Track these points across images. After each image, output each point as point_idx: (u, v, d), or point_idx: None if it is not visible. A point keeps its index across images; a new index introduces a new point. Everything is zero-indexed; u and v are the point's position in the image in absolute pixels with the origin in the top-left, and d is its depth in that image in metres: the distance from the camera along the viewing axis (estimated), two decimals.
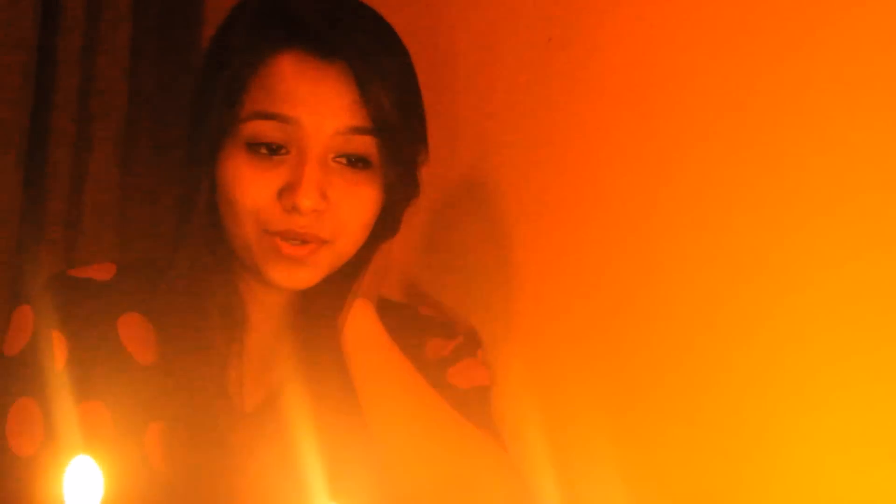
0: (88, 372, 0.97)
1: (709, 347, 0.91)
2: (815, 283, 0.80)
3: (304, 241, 0.95)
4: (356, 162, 0.96)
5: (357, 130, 0.94)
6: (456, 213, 1.30)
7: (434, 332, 1.12)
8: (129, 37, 1.74)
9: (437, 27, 1.37)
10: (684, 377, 0.94)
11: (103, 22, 1.73)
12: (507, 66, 1.22)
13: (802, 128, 0.82)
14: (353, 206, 0.96)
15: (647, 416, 0.98)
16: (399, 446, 1.00)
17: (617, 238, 1.03)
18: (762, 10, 0.86)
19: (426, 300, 1.26)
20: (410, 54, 1.02)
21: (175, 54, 1.82)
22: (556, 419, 1.09)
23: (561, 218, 1.12)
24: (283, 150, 0.94)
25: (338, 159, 0.96)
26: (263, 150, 0.94)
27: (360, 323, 1.02)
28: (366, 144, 0.95)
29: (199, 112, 0.98)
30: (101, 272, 1.02)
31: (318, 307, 1.03)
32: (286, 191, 0.93)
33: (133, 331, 1.00)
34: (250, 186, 0.94)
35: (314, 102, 0.94)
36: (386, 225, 1.02)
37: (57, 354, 0.97)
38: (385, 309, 1.06)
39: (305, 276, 0.97)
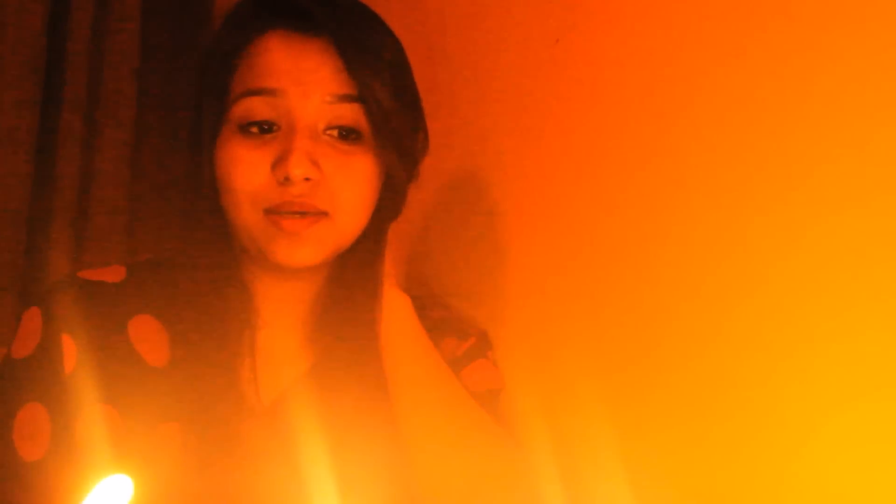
0: (98, 376, 0.96)
1: (713, 345, 0.91)
2: (823, 280, 0.80)
3: (303, 214, 0.95)
4: (348, 135, 0.96)
5: (343, 98, 0.95)
6: (456, 209, 1.30)
7: (447, 333, 1.12)
8: (138, 36, 1.74)
9: (444, 28, 1.37)
10: (690, 374, 0.93)
11: (112, 21, 1.73)
12: (514, 66, 1.23)
13: (809, 126, 0.82)
14: (347, 176, 0.96)
15: (653, 414, 0.98)
16: (428, 439, 1.00)
17: (621, 235, 1.03)
18: (770, 12, 0.86)
19: (438, 300, 1.26)
20: (416, 53, 1.04)
21: (184, 53, 1.82)
22: (559, 418, 1.09)
23: (565, 216, 1.12)
24: (275, 128, 0.95)
25: (329, 132, 0.96)
26: (255, 130, 0.95)
27: (400, 315, 1.02)
28: (354, 114, 0.96)
29: (196, 102, 1.00)
30: (112, 274, 1.02)
31: (343, 298, 1.02)
32: (278, 163, 0.94)
33: (144, 333, 1.00)
34: (244, 167, 0.95)
35: (298, 73, 0.95)
36: (389, 204, 1.02)
37: (66, 359, 0.96)
38: None
39: (307, 252, 0.96)
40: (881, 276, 0.76)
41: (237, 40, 0.98)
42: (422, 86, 1.05)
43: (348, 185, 0.96)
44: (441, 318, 1.15)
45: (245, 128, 0.95)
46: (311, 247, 0.96)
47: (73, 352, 0.96)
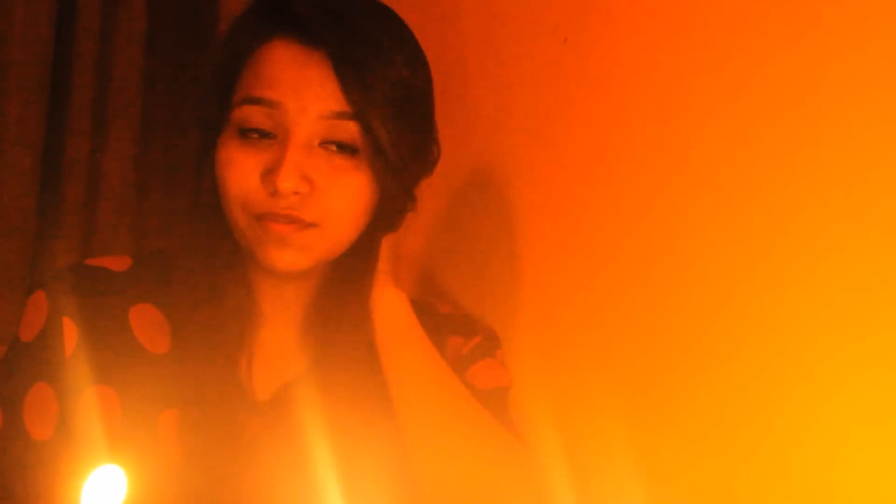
0: (97, 358, 0.98)
1: (725, 344, 0.91)
2: (835, 280, 0.80)
3: (289, 221, 0.95)
4: (344, 149, 0.96)
5: (340, 115, 0.95)
6: (467, 210, 1.30)
7: (453, 331, 1.11)
8: (145, 34, 1.74)
9: (454, 27, 1.37)
10: (700, 374, 0.93)
11: (119, 20, 1.73)
12: (523, 66, 1.23)
13: (817, 124, 0.82)
14: (339, 190, 0.96)
15: (662, 413, 0.98)
16: (427, 437, 1.00)
17: (632, 235, 1.03)
18: (778, 11, 0.86)
19: (445, 298, 1.26)
20: (427, 55, 1.03)
21: (190, 52, 1.82)
22: (569, 416, 1.09)
23: (577, 216, 1.12)
24: (273, 136, 0.96)
25: (325, 145, 0.96)
26: (254, 136, 0.96)
27: (396, 312, 1.03)
28: (350, 131, 0.95)
29: (202, 102, 1.01)
30: (117, 263, 1.04)
31: (336, 298, 1.03)
32: (269, 174, 0.94)
33: (145, 321, 1.01)
34: (237, 171, 0.96)
35: (298, 87, 0.95)
36: (384, 219, 1.02)
37: (67, 340, 0.97)
38: None
39: (294, 257, 0.96)
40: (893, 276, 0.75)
41: (243, 46, 0.98)
42: (438, 84, 1.05)
43: (339, 199, 0.96)
44: (448, 315, 1.15)
45: (245, 132, 0.96)
46: (298, 253, 0.96)
47: (73, 334, 0.98)
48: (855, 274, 0.77)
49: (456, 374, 1.05)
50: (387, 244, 1.04)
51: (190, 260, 1.03)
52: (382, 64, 0.97)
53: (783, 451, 0.84)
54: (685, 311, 0.96)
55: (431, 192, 1.07)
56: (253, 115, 0.95)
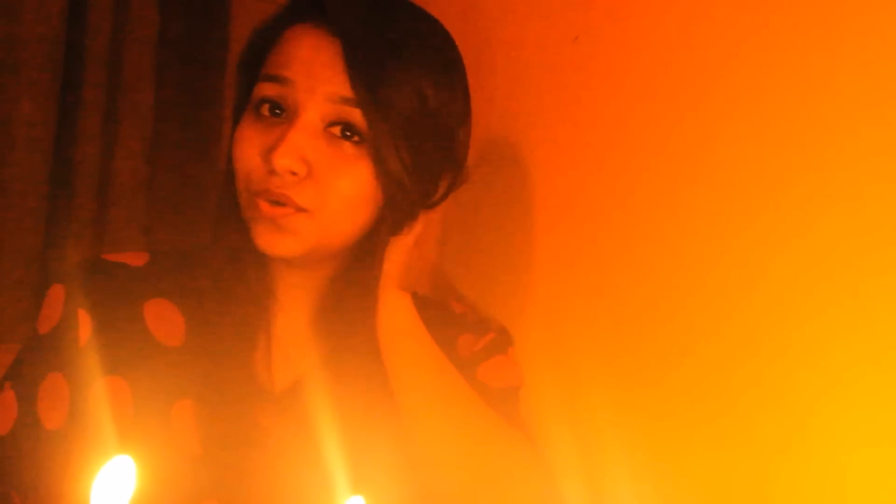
0: (110, 349, 0.98)
1: (736, 339, 0.90)
2: (848, 280, 0.79)
3: (281, 203, 0.95)
4: (351, 135, 0.96)
5: (347, 101, 0.95)
6: (478, 206, 1.30)
7: (465, 329, 1.11)
8: (157, 33, 1.74)
9: (464, 27, 1.37)
10: (712, 373, 0.93)
11: (130, 18, 1.74)
12: (533, 65, 1.23)
13: (834, 121, 0.81)
14: (337, 178, 0.96)
15: (674, 412, 0.98)
16: (430, 437, 1.00)
17: (644, 232, 1.03)
18: (788, 10, 0.86)
19: (458, 296, 1.25)
20: (452, 73, 1.03)
21: (202, 51, 1.83)
22: (579, 413, 1.09)
23: (587, 213, 1.12)
24: (283, 114, 0.97)
25: (331, 129, 0.96)
26: (265, 110, 0.97)
27: (397, 313, 1.02)
28: (357, 117, 0.96)
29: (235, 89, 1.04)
30: (134, 258, 1.05)
31: (346, 294, 1.03)
32: (270, 152, 0.95)
33: (160, 315, 1.02)
34: (244, 146, 0.97)
35: (311, 67, 0.96)
36: (391, 216, 1.01)
37: (81, 331, 0.98)
38: (417, 304, 1.05)
39: (285, 242, 0.96)
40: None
41: (270, 30, 1.01)
42: None
43: (336, 186, 0.96)
44: (462, 315, 1.15)
45: (258, 107, 0.98)
46: (289, 238, 0.96)
47: (87, 325, 0.98)
48: (870, 271, 0.77)
49: (467, 372, 1.05)
50: (397, 246, 1.03)
51: (205, 256, 1.04)
52: (396, 60, 0.97)
53: (796, 448, 0.84)
54: (697, 309, 0.95)
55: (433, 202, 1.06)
56: (267, 91, 0.97)
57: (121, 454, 0.49)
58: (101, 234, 1.73)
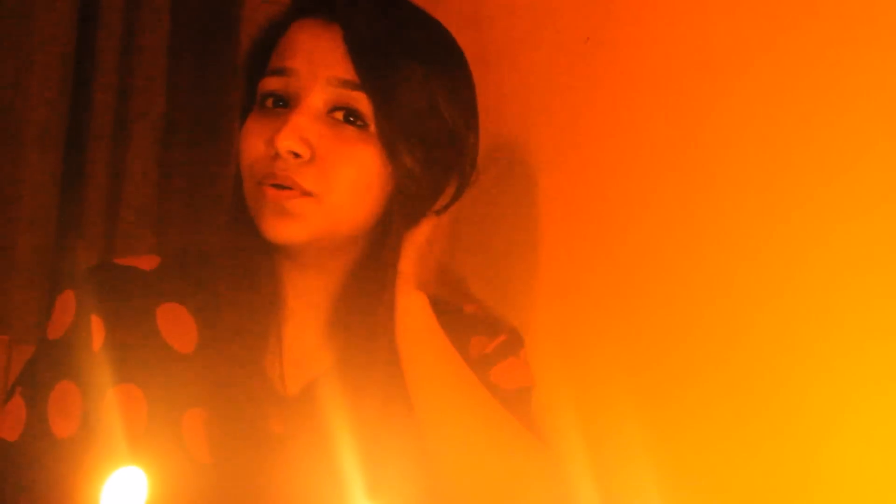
0: (123, 356, 0.98)
1: (748, 342, 0.90)
2: (858, 279, 0.79)
3: (286, 187, 0.95)
4: (354, 120, 0.97)
5: (348, 84, 0.96)
6: (487, 206, 1.30)
7: (477, 331, 1.11)
8: (167, 35, 1.75)
9: (475, 27, 1.37)
10: (724, 373, 0.92)
11: (141, 20, 1.74)
12: (543, 65, 1.22)
13: (846, 123, 0.81)
14: (341, 161, 0.96)
15: (686, 412, 0.97)
16: (446, 439, 1.00)
17: (653, 231, 1.03)
18: (799, 13, 0.85)
19: (469, 297, 1.25)
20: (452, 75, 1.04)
21: (213, 52, 1.83)
22: (592, 416, 1.08)
23: (597, 213, 1.12)
24: (287, 104, 0.98)
25: (334, 113, 0.97)
26: (269, 103, 0.98)
27: (415, 314, 1.02)
28: (359, 101, 0.97)
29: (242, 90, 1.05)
30: (145, 262, 1.04)
31: (359, 295, 1.03)
32: (272, 136, 0.95)
33: (172, 320, 1.01)
34: (250, 139, 0.98)
35: (311, 54, 0.97)
36: (400, 208, 1.01)
37: (94, 337, 0.98)
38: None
39: (292, 228, 0.96)
40: None
41: (274, 29, 1.02)
42: None
43: (341, 167, 0.96)
44: (472, 315, 1.15)
45: (262, 102, 0.99)
46: (296, 224, 0.96)
47: (100, 331, 0.98)
48: (883, 270, 0.77)
49: (479, 373, 1.05)
50: (411, 246, 1.03)
51: (217, 258, 1.03)
52: (403, 56, 0.98)
53: (807, 450, 0.83)
54: (708, 310, 0.95)
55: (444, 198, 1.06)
56: (270, 85, 0.98)
57: (132, 464, 0.49)
58: (112, 235, 1.73)
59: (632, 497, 0.98)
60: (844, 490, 0.79)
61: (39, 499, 0.95)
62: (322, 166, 0.95)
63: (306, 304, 1.04)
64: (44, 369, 0.99)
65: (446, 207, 1.04)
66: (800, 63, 0.85)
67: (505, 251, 1.27)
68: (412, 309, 1.02)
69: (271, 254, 1.02)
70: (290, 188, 0.95)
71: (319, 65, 0.96)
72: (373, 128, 0.97)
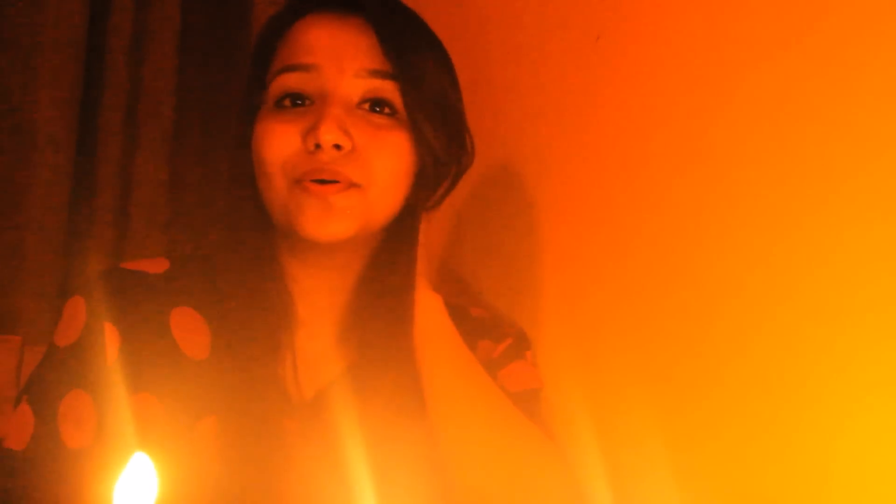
0: (140, 364, 0.97)
1: (763, 340, 0.89)
2: (870, 286, 0.78)
3: (333, 181, 0.95)
4: (382, 108, 0.98)
5: (376, 73, 0.97)
6: (494, 206, 1.30)
7: (484, 335, 1.11)
8: (178, 35, 1.75)
9: (485, 24, 1.37)
10: (735, 370, 0.92)
11: (152, 21, 1.74)
12: (554, 64, 1.22)
13: (854, 122, 0.80)
14: (380, 148, 0.97)
15: (698, 411, 0.97)
16: (463, 442, 0.99)
17: (661, 231, 1.02)
18: (810, 12, 0.85)
19: (476, 300, 1.25)
20: (455, 49, 1.06)
21: (223, 53, 1.83)
22: (601, 415, 1.08)
23: (604, 212, 1.11)
24: (308, 102, 0.97)
25: (363, 105, 0.97)
26: (288, 103, 0.98)
27: (432, 315, 1.02)
28: (388, 90, 0.97)
29: (243, 87, 1.04)
30: (154, 265, 1.03)
31: (374, 298, 1.02)
32: (309, 131, 0.95)
33: (185, 326, 1.00)
34: (276, 138, 0.96)
35: (334, 48, 0.97)
36: (422, 190, 1.01)
37: (109, 346, 0.96)
38: None
39: (337, 224, 0.96)
40: None
41: (279, 24, 1.02)
42: (466, 82, 1.06)
43: (381, 157, 0.97)
44: (479, 318, 1.14)
45: (279, 102, 0.98)
46: (341, 219, 0.96)
47: (115, 340, 0.97)
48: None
49: None
50: (426, 238, 1.03)
51: (226, 260, 1.02)
52: (415, 28, 1.02)
53: (823, 450, 0.82)
54: (720, 309, 0.94)
55: (456, 189, 1.08)
56: (289, 82, 0.97)
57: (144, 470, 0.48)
58: (123, 234, 1.73)
59: (645, 498, 0.98)
60: (861, 495, 0.79)
61: None
62: (363, 157, 0.96)
63: (317, 308, 1.04)
64: (53, 377, 0.97)
65: (439, 201, 1.05)
66: (814, 62, 0.84)
67: (515, 251, 1.27)
68: (429, 311, 1.02)
69: (280, 257, 1.02)
70: (335, 182, 0.95)
71: (344, 58, 0.97)
72: (402, 115, 0.98)
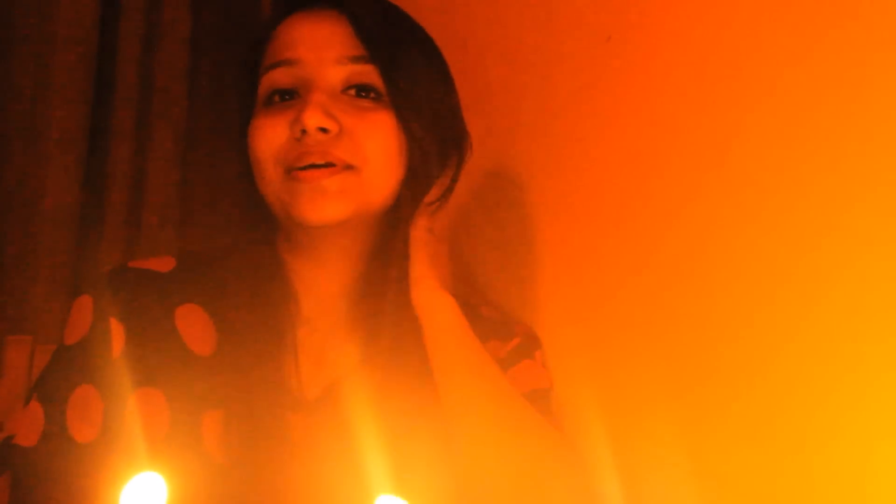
0: (145, 360, 0.98)
1: (774, 337, 0.89)
2: (888, 297, 0.78)
3: (324, 165, 0.96)
4: (367, 93, 1.00)
5: (356, 59, 0.99)
6: (493, 207, 1.30)
7: (492, 335, 1.10)
8: (189, 35, 1.75)
9: (493, 24, 1.37)
10: (747, 368, 0.91)
11: (163, 20, 1.75)
12: (564, 64, 1.22)
13: (865, 126, 0.80)
14: (368, 129, 0.98)
15: (710, 410, 0.97)
16: (477, 437, 0.99)
17: (670, 230, 1.02)
18: (827, 11, 0.84)
19: (485, 299, 1.25)
20: (455, 48, 1.09)
21: (234, 52, 1.83)
22: (613, 414, 1.08)
23: (607, 212, 1.11)
24: (296, 95, 1.00)
25: (348, 91, 1.00)
26: (277, 99, 1.00)
27: (444, 313, 1.02)
28: (369, 73, 1.00)
29: (238, 97, 1.06)
30: (161, 264, 1.05)
31: (378, 294, 1.02)
32: (295, 120, 0.97)
33: (191, 322, 1.02)
34: (266, 132, 0.99)
35: (313, 41, 1.00)
36: (416, 179, 1.02)
37: (114, 342, 0.98)
38: None
39: (332, 206, 0.97)
40: None
41: (265, 28, 1.05)
42: (458, 83, 1.07)
43: (370, 137, 0.98)
44: (488, 318, 1.14)
45: (269, 99, 1.00)
46: (336, 201, 0.97)
47: (120, 335, 0.99)
48: None
49: None
50: (417, 244, 1.03)
51: (232, 258, 1.04)
52: (396, 20, 1.04)
53: (835, 449, 0.82)
54: (727, 305, 0.94)
55: (464, 189, 1.08)
56: (275, 78, 1.00)
57: (151, 469, 0.49)
58: (134, 233, 1.74)
59: (657, 497, 0.98)
60: (875, 491, 0.78)
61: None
62: (352, 138, 0.97)
63: (320, 303, 1.05)
64: (61, 374, 0.99)
65: (441, 200, 1.05)
66: (828, 64, 0.84)
67: (526, 251, 1.26)
68: (443, 311, 1.01)
69: (283, 255, 1.03)
70: (329, 165, 0.96)
71: (324, 48, 0.99)
72: (387, 99, 1.00)
